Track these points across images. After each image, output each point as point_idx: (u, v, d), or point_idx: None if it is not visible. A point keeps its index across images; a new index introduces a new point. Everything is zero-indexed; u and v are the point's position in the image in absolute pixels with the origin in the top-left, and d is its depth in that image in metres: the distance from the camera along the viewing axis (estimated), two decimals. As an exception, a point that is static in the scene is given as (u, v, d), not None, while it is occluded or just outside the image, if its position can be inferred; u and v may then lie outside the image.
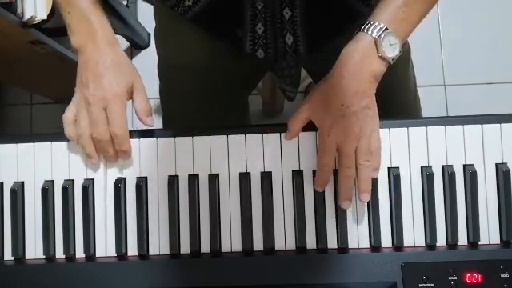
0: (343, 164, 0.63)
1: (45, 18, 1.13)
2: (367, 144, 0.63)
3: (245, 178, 0.66)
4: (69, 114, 0.67)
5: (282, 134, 0.66)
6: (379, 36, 0.62)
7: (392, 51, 0.62)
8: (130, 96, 0.68)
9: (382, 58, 0.62)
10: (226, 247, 0.65)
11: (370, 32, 0.62)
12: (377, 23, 0.62)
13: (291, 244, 0.65)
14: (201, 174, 0.66)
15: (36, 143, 0.68)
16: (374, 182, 0.64)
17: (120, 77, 0.66)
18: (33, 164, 0.68)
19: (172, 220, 0.66)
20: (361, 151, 0.63)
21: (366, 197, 0.63)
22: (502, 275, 0.60)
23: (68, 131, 0.67)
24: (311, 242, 0.64)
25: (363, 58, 0.62)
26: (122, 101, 0.65)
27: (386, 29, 0.62)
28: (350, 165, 0.63)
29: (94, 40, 0.65)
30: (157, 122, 0.79)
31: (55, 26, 1.53)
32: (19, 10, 1.10)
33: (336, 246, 0.64)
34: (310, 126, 0.66)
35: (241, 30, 0.76)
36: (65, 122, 0.67)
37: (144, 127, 0.68)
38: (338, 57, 0.64)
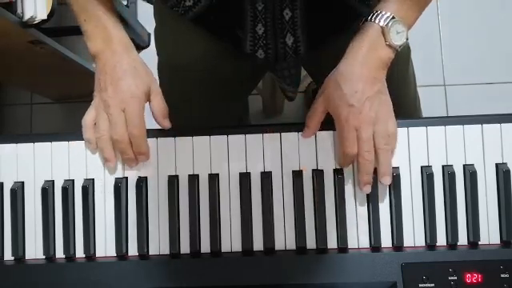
0: (362, 149, 0.63)
1: (45, 18, 1.13)
2: (385, 128, 0.63)
3: (245, 178, 0.66)
4: (88, 118, 0.67)
5: (283, 134, 0.66)
6: (387, 24, 0.63)
7: (399, 39, 0.63)
8: (148, 98, 0.68)
9: (389, 45, 0.63)
10: (226, 247, 0.65)
11: (377, 21, 0.63)
12: (384, 12, 0.63)
13: (291, 244, 0.65)
14: (201, 174, 0.66)
15: (36, 143, 0.68)
16: (374, 181, 0.64)
17: (138, 80, 0.66)
18: (33, 164, 0.68)
19: (172, 220, 0.66)
20: (379, 135, 0.63)
21: (388, 180, 0.64)
22: (502, 275, 0.60)
23: (87, 135, 0.67)
24: (311, 242, 0.64)
25: (371, 46, 0.63)
26: (139, 102, 0.66)
27: (393, 17, 0.63)
28: (369, 149, 0.63)
29: (110, 45, 0.66)
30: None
31: (55, 26, 1.52)
32: (19, 10, 1.09)
33: (336, 246, 0.64)
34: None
35: (241, 30, 0.76)
36: (84, 126, 0.67)
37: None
38: (347, 48, 0.65)
